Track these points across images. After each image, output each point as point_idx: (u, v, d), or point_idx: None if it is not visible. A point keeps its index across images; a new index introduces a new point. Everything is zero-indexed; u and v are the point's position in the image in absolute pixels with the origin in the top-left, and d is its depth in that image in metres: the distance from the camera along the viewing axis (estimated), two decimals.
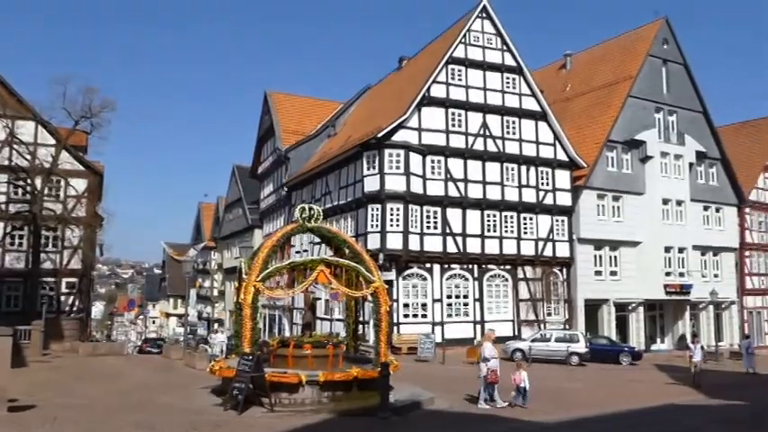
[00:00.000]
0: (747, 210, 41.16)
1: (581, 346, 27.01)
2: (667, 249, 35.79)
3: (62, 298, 32.03)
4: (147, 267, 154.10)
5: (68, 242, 31.98)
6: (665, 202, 36.13)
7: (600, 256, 34.21)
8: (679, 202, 36.68)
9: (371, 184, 29.39)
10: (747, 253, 41.05)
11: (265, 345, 16.29)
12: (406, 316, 29.20)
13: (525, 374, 14.63)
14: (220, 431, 11.01)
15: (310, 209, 15.57)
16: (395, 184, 28.97)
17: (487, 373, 14.19)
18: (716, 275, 38.71)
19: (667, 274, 35.52)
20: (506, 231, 31.73)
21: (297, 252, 33.89)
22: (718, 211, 39.26)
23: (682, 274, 36.06)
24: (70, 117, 29.58)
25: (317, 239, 21.55)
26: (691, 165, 37.42)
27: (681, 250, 36.35)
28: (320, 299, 32.09)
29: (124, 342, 51.32)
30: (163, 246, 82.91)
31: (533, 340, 27.99)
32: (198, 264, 62.49)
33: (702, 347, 23.56)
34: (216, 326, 51.45)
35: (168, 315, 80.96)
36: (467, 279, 30.80)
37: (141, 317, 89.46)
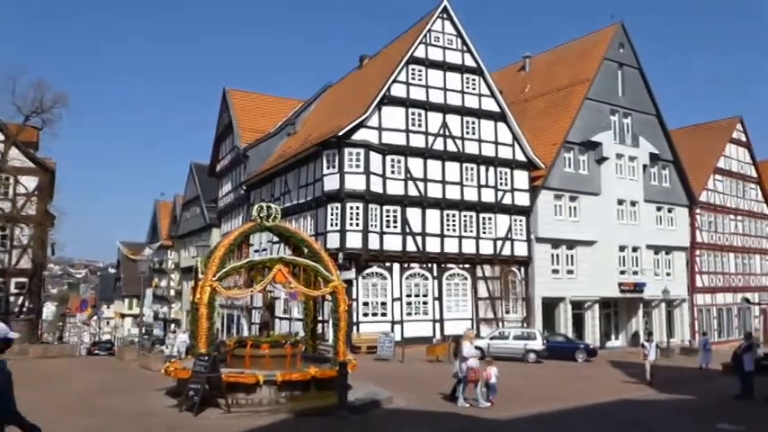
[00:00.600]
0: (698, 210, 42.33)
1: (538, 344, 27.40)
2: (622, 248, 36.61)
3: (11, 299, 31.07)
4: (102, 267, 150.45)
5: (18, 241, 31.04)
6: (620, 202, 36.91)
7: (557, 255, 34.74)
8: (633, 203, 37.55)
9: (331, 183, 29.26)
10: (698, 252, 42.21)
11: (222, 345, 16.06)
12: (365, 315, 29.16)
13: (495, 370, 14.84)
14: None
15: (268, 207, 15.42)
16: (355, 183, 28.90)
17: (467, 371, 14.22)
18: (668, 274, 39.72)
19: (622, 272, 36.33)
20: (465, 231, 31.96)
21: (255, 251, 33.55)
22: (670, 211, 40.28)
23: (635, 273, 36.91)
24: (20, 112, 28.75)
25: (276, 238, 21.37)
26: (644, 166, 38.30)
27: (635, 249, 37.22)
28: (279, 298, 31.78)
29: (76, 344, 50.08)
30: (118, 245, 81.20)
31: (492, 338, 28.29)
32: (154, 263, 61.41)
33: (657, 345, 23.71)
34: (173, 326, 50.56)
35: (123, 316, 79.18)
36: (426, 278, 30.93)
37: (95, 318, 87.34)
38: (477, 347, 26.78)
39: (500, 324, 31.77)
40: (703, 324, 41.70)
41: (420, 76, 31.51)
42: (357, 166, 29.06)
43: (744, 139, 47.90)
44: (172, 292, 60.97)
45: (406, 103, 30.86)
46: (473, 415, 13.44)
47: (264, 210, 15.29)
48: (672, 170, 40.59)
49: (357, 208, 28.93)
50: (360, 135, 29.29)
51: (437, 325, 30.70)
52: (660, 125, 39.97)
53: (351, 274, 28.42)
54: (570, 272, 35.05)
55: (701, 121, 49.83)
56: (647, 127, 39.00)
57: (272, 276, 14.17)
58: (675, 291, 38.79)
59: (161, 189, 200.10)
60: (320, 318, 24.95)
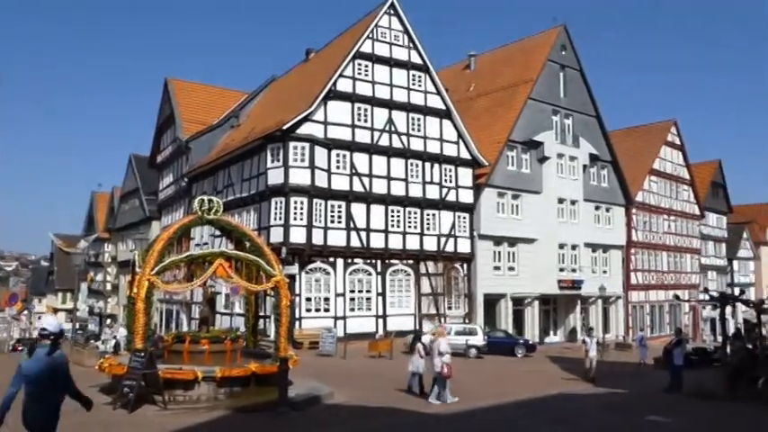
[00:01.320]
0: (634, 210, 43.71)
1: (479, 339, 27.78)
2: (561, 246, 37.48)
3: None
4: (34, 260, 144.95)
5: None
6: (561, 201, 37.79)
7: (499, 253, 35.29)
8: (573, 202, 38.50)
9: (275, 177, 28.91)
10: (633, 250, 43.61)
11: (160, 340, 15.67)
12: (308, 310, 28.97)
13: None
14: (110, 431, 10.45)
15: (210, 201, 15.09)
16: (299, 177, 28.64)
17: (442, 367, 14.26)
18: (604, 271, 40.93)
19: (561, 270, 37.22)
20: (410, 227, 32.12)
21: (197, 245, 32.84)
22: (608, 210, 41.47)
23: (574, 270, 37.87)
24: None
25: (218, 232, 20.96)
26: (584, 166, 39.30)
27: (573, 247, 38.17)
28: (220, 293, 31.28)
29: (5, 339, 47.94)
30: (51, 237, 78.25)
31: (434, 334, 28.42)
32: (90, 256, 59.51)
33: (598, 342, 23.74)
34: (109, 321, 49.07)
35: (56, 310, 76.35)
36: (370, 274, 30.94)
37: (25, 312, 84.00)
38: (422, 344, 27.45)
39: (442, 320, 32.04)
40: (637, 320, 43.21)
41: (366, 71, 31.45)
42: (302, 160, 28.80)
43: (678, 141, 49.70)
44: (108, 287, 59.22)
45: (351, 98, 30.75)
46: (414, 410, 13.51)
47: (206, 203, 14.96)
48: (610, 170, 41.78)
49: (301, 202, 28.68)
50: (305, 129, 29.03)
51: (380, 320, 30.77)
52: (599, 126, 41.09)
53: (294, 269, 28.19)
54: (511, 269, 35.67)
55: (638, 124, 51.51)
56: (587, 128, 40.03)
57: (212, 271, 13.90)
58: (611, 288, 39.98)
59: (98, 180, 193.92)
60: (262, 313, 24.70)
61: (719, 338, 23.37)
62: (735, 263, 57.83)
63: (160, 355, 13.81)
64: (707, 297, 21.50)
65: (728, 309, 24.40)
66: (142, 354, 12.27)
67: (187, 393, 12.65)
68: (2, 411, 6.16)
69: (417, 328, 31.41)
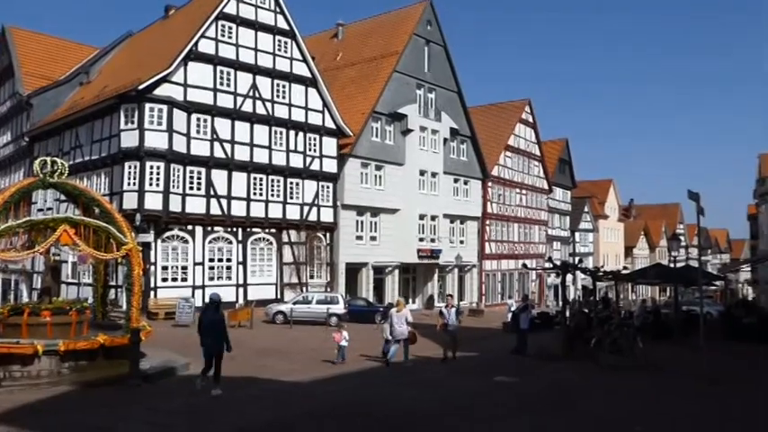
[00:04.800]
0: (490, 183, 45.91)
1: (340, 308, 28.10)
2: (421, 217, 38.63)
3: None
4: None
5: None
6: (422, 173, 38.84)
7: (361, 222, 35.78)
8: (434, 174, 39.72)
9: (129, 140, 27.29)
10: (488, 222, 45.89)
11: None
12: (164, 280, 27.88)
13: (346, 334, 16.73)
14: None
15: (53, 162, 13.98)
16: (156, 141, 27.23)
17: (408, 334, 16.39)
18: (461, 242, 42.81)
19: (421, 239, 38.39)
20: (273, 195, 31.69)
21: (39, 210, 30.54)
22: (466, 183, 43.27)
23: (433, 240, 39.23)
24: None
25: (64, 197, 19.52)
26: (445, 140, 40.61)
27: (433, 218, 39.48)
28: (66, 262, 29.36)
29: None
30: None
31: (295, 303, 28.49)
32: None
33: (458, 310, 19.72)
34: None
35: None
36: (231, 242, 30.26)
37: None
38: (279, 312, 27.54)
39: (304, 289, 32.12)
40: (489, 288, 45.74)
41: (230, 33, 30.32)
42: (159, 123, 27.39)
43: (531, 120, 52.65)
44: None
45: (214, 60, 29.56)
46: (274, 378, 13.50)
47: (48, 165, 13.83)
48: (469, 145, 43.50)
49: (158, 167, 27.35)
50: (163, 90, 27.57)
51: (241, 290, 30.28)
52: (460, 102, 42.52)
53: (149, 236, 26.96)
54: (373, 238, 36.32)
55: (496, 101, 53.94)
56: (449, 103, 41.30)
57: (55, 237, 12.94)
58: (467, 257, 41.96)
59: None
60: (113, 283, 23.51)
61: (561, 303, 25.20)
62: (577, 234, 62.62)
63: None
64: (550, 265, 23.11)
65: (569, 276, 26.50)
66: None
67: (25, 369, 11.84)
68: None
69: (278, 296, 31.30)
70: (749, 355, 19.18)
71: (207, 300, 12.44)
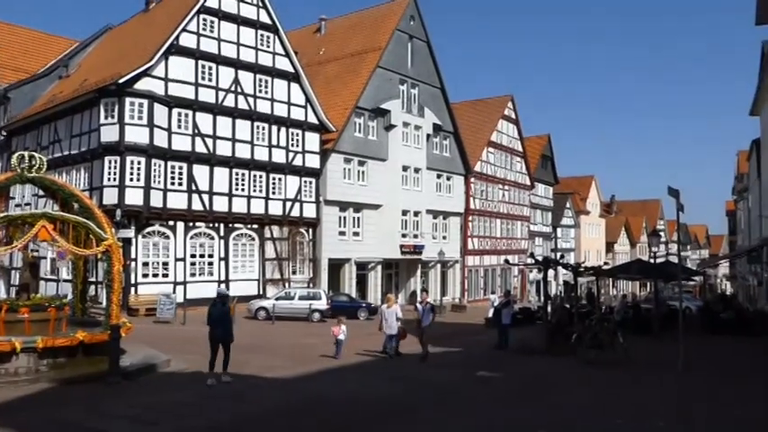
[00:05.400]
0: (473, 179, 46.05)
1: (323, 304, 28.08)
2: (404, 213, 38.66)
3: None
4: None
5: None
6: (405, 168, 38.86)
7: (344, 218, 35.72)
8: (416, 170, 39.76)
9: (109, 135, 26.99)
10: (470, 218, 46.05)
11: None
12: (145, 275, 27.64)
13: (344, 328, 16.67)
14: None
15: (31, 157, 13.74)
16: (136, 135, 26.96)
17: (400, 329, 16.77)
18: (444, 237, 42.91)
19: (403, 235, 38.43)
20: (255, 191, 31.53)
21: (17, 206, 30.17)
22: (449, 179, 43.36)
23: (416, 236, 39.29)
24: None
25: (42, 192, 19.27)
26: (428, 136, 40.64)
27: (416, 214, 39.53)
28: (44, 258, 29.00)
29: None
30: None
31: (278, 299, 28.39)
32: None
33: (432, 308, 17.74)
34: None
35: None
36: (212, 238, 30.07)
37: None
38: (262, 308, 27.44)
39: (286, 285, 32.02)
40: (472, 284, 45.91)
41: (212, 27, 30.07)
42: (140, 117, 27.12)
43: (513, 116, 52.84)
44: None
45: (195, 54, 29.30)
46: (254, 374, 13.44)
47: (26, 159, 13.59)
48: (452, 141, 43.58)
49: (138, 162, 27.08)
50: (143, 84, 27.29)
51: (222, 286, 30.04)
52: (443, 98, 42.57)
53: (130, 232, 26.70)
54: (356, 234, 36.29)
55: (480, 97, 54.11)
56: (432, 99, 41.32)
57: (33, 233, 12.76)
58: (450, 253, 42.09)
59: None
60: (93, 279, 23.29)
61: (543, 299, 25.33)
62: (559, 230, 63.06)
63: None
64: (532, 261, 23.23)
65: (551, 272, 26.69)
66: None
67: (3, 366, 11.65)
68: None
69: (261, 292, 31.17)
70: (726, 348, 19.46)
71: (215, 295, 13.89)
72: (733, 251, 62.62)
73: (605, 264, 37.21)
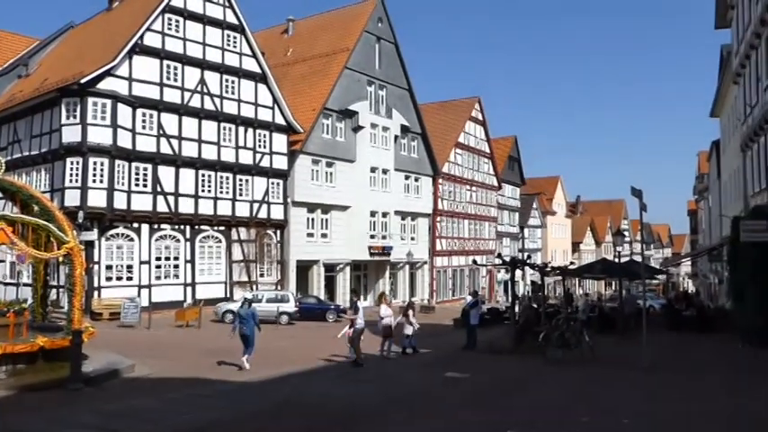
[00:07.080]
0: (441, 180, 46.25)
1: (291, 306, 27.87)
2: (372, 214, 38.65)
3: None
4: None
5: None
6: (373, 170, 38.86)
7: (312, 219, 35.56)
8: (385, 171, 39.79)
9: (71, 135, 26.44)
10: (439, 218, 46.24)
11: None
12: (108, 279, 27.15)
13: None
14: None
15: None
16: (99, 136, 26.46)
17: (382, 329, 17.33)
18: (412, 238, 42.99)
19: (372, 236, 38.44)
20: (221, 192, 31.20)
21: None
22: (417, 180, 43.48)
23: (384, 237, 39.31)
24: None
25: (1, 194, 18.75)
26: (396, 137, 40.70)
27: (384, 215, 39.55)
28: (3, 261, 28.29)
29: None
30: None
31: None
32: None
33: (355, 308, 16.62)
34: None
35: None
36: (178, 240, 29.66)
37: None
38: (229, 311, 27.01)
39: (254, 287, 31.72)
40: (441, 284, 46.08)
41: (177, 26, 29.67)
42: (103, 117, 26.62)
43: (481, 118, 53.21)
44: None
45: (160, 54, 28.88)
46: (222, 379, 13.28)
47: None
48: (420, 142, 43.71)
49: (101, 164, 26.58)
50: (107, 84, 26.80)
51: (189, 289, 29.73)
52: (411, 99, 42.68)
53: (92, 234, 26.18)
54: (324, 235, 36.14)
55: (448, 99, 54.38)
56: (400, 100, 41.40)
57: None
58: (418, 254, 42.19)
59: None
60: (54, 283, 22.74)
61: (510, 299, 25.54)
62: (526, 230, 63.69)
63: None
64: (500, 262, 23.40)
65: (519, 272, 26.91)
66: None
67: None
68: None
69: (228, 295, 30.85)
70: (689, 345, 19.84)
71: (243, 299, 16.71)
72: (694, 250, 64.00)
73: (571, 263, 37.75)
